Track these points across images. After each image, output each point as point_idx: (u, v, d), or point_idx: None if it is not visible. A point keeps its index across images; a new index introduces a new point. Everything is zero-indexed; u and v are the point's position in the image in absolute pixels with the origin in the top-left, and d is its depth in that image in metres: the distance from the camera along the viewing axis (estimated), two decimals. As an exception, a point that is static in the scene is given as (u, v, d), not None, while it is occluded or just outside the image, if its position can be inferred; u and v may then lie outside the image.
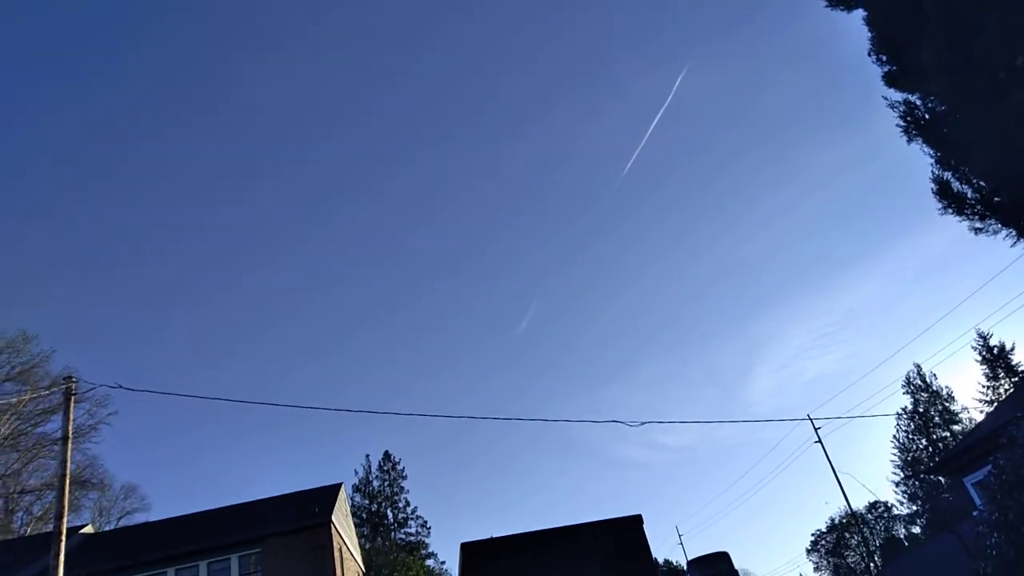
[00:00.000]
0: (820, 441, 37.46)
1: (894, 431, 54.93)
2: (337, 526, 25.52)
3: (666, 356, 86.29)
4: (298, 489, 28.99)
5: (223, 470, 69.28)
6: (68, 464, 11.06)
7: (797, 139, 77.57)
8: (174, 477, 67.97)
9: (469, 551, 8.93)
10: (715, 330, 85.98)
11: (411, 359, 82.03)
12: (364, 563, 33.59)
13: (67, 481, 10.93)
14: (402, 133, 78.08)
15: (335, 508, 25.71)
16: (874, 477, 77.38)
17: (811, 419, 37.91)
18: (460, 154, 78.30)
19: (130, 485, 41.62)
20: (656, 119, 76.39)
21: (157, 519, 30.52)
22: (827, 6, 8.24)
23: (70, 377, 12.24)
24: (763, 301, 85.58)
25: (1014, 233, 6.72)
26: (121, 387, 12.56)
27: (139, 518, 39.85)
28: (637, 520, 9.28)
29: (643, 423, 16.09)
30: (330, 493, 27.23)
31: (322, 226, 76.19)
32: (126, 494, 41.16)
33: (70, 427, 11.28)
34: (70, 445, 11.33)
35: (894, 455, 54.96)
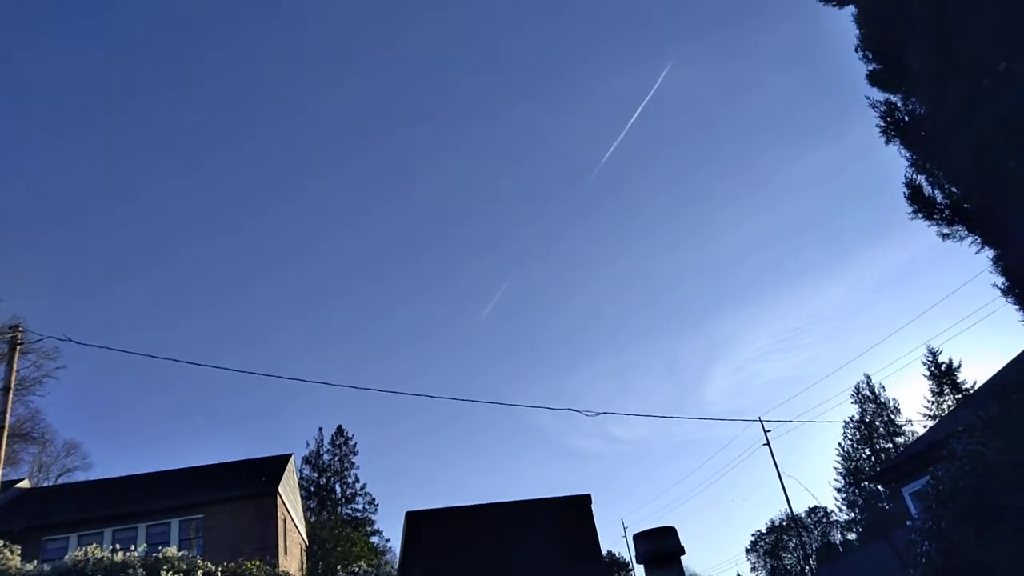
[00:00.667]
0: (768, 444, 38.23)
1: (840, 439, 56.24)
2: (283, 497, 25.31)
3: (628, 349, 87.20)
4: (247, 457, 28.68)
5: (170, 434, 68.38)
6: (8, 415, 10.73)
7: (774, 143, 78.72)
8: (119, 438, 66.75)
9: (414, 520, 8.91)
10: (678, 327, 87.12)
11: (372, 335, 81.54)
12: (308, 536, 33.38)
13: (5, 432, 10.61)
14: (376, 112, 77.28)
15: (283, 479, 25.49)
16: (817, 482, 79.28)
17: (762, 421, 38.66)
18: (436, 135, 77.76)
19: (72, 443, 40.74)
20: (636, 113, 76.79)
21: (98, 479, 29.94)
22: (820, 1, 8.27)
23: (17, 326, 11.87)
24: (727, 301, 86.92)
25: (979, 240, 6.86)
26: (70, 340, 12.22)
27: (79, 476, 39.04)
28: (586, 500, 9.34)
29: (599, 413, 16.12)
30: (279, 463, 26.98)
31: (289, 199, 75.20)
32: (68, 451, 40.25)
33: (13, 377, 10.95)
34: (11, 396, 10.99)
35: (838, 462, 56.28)
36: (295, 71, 73.87)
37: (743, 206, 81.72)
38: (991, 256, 6.81)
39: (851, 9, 8.19)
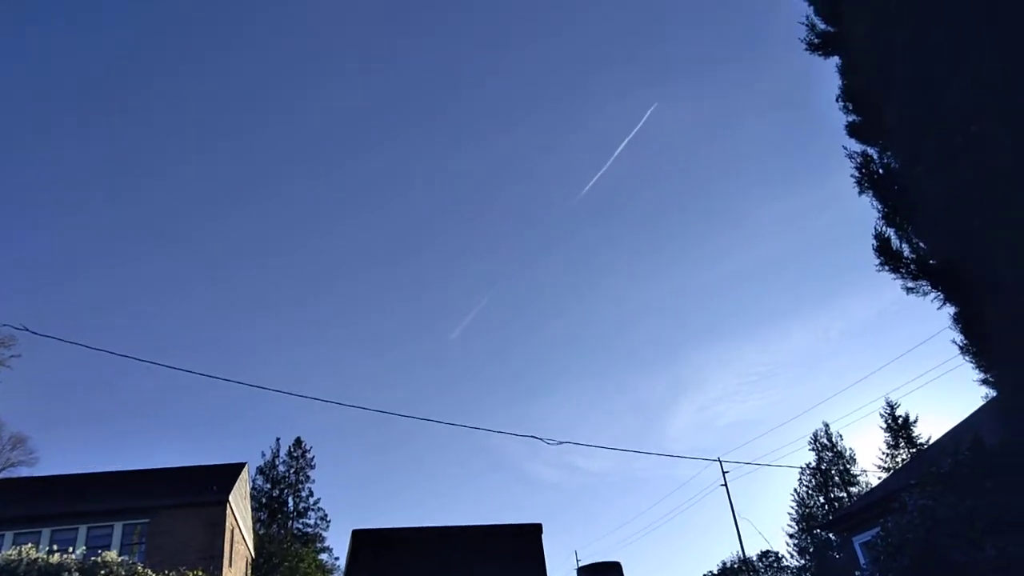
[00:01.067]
0: (726, 484, 38.34)
1: (796, 484, 56.63)
2: (234, 507, 24.74)
3: (595, 380, 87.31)
4: (200, 463, 28.04)
5: (123, 433, 66.86)
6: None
7: (754, 185, 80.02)
8: (70, 435, 65.01)
9: (359, 539, 8.71)
10: (646, 361, 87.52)
11: (340, 342, 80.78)
12: (255, 549, 32.63)
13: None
14: (369, 117, 77.37)
15: (235, 488, 24.95)
16: (771, 526, 79.76)
17: (721, 461, 38.83)
18: (427, 148, 78.02)
19: (20, 436, 39.53)
20: (622, 146, 77.76)
21: (42, 475, 29.02)
22: (806, 50, 8.45)
23: (-32, 310, 11.55)
24: (696, 339, 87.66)
25: (942, 296, 6.98)
26: (26, 329, 11.92)
27: (23, 472, 37.83)
28: (536, 529, 9.22)
29: (561, 442, 16.02)
30: (232, 472, 26.41)
31: (264, 197, 74.67)
32: (13, 445, 39.04)
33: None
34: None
35: (792, 508, 56.59)
36: (274, 80, 73.81)
37: (719, 246, 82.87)
38: (952, 313, 6.92)
39: (836, 59, 8.37)
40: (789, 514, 55.72)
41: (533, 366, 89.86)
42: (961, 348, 6.97)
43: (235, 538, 25.61)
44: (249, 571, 29.83)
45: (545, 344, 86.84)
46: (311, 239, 78.24)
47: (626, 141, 79.21)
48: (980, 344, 6.60)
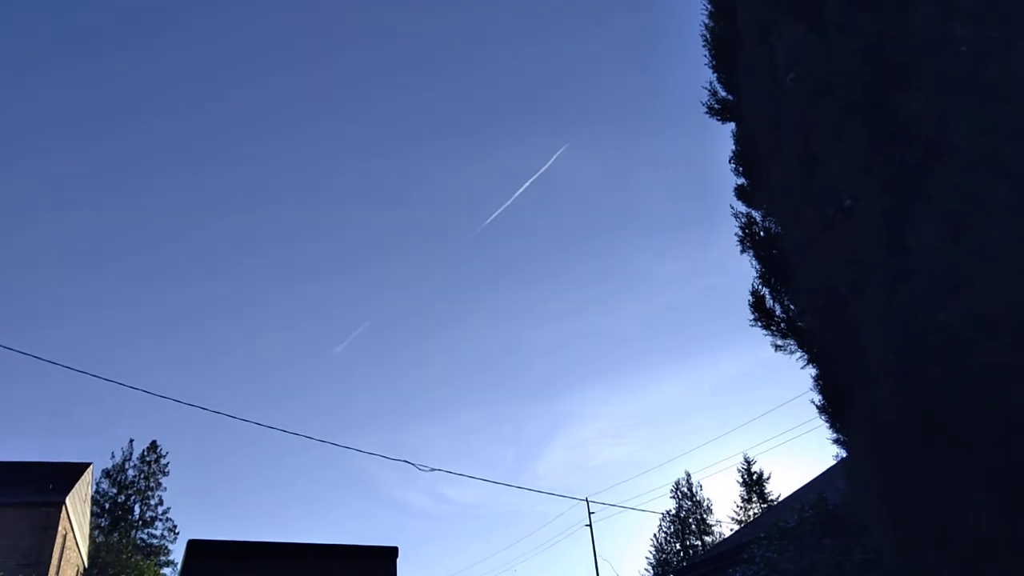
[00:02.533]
0: (591, 525, 38.95)
1: (655, 530, 58.30)
2: (70, 510, 22.84)
3: (475, 411, 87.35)
4: (37, 459, 25.74)
5: (-50, 422, 60.90)
6: None
7: (645, 237, 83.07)
8: None
9: (196, 550, 8.11)
10: (527, 397, 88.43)
11: (212, 343, 77.03)
12: (89, 557, 30.20)
13: None
14: (280, 112, 75.23)
15: (74, 489, 23.07)
16: (629, 570, 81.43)
17: (588, 501, 39.47)
18: (327, 154, 76.47)
19: None
20: (527, 184, 79.10)
21: None
22: (706, 113, 8.89)
23: None
24: (577, 380, 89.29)
25: (806, 357, 7.39)
26: None
27: None
28: (392, 552, 8.88)
29: (433, 469, 15.77)
30: (73, 471, 24.40)
31: (142, 189, 71.00)
32: None
33: None
34: None
35: (650, 552, 58.10)
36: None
37: (608, 293, 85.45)
38: (813, 374, 7.33)
39: (732, 126, 8.83)
40: (647, 558, 57.20)
41: (414, 391, 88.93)
42: (819, 408, 7.37)
43: (67, 544, 23.61)
44: (78, 581, 27.50)
45: (428, 371, 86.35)
46: (194, 230, 75.02)
47: (532, 180, 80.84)
48: (836, 406, 7.00)
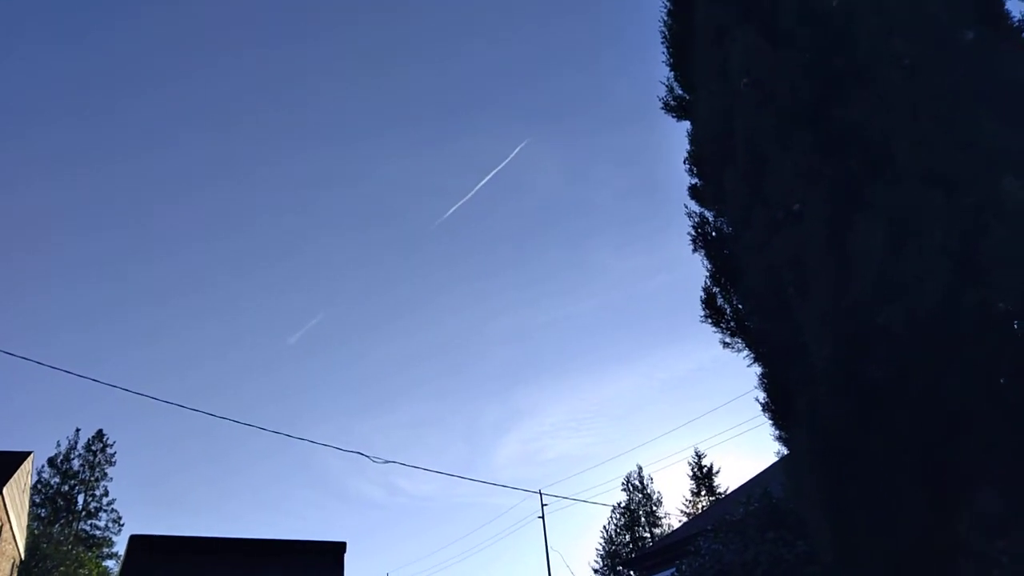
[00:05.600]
0: (543, 516, 39.28)
1: (606, 522, 58.97)
2: (7, 500, 22.18)
3: (430, 404, 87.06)
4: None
5: None
6: None
7: (604, 233, 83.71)
8: None
9: (139, 545, 7.96)
10: (483, 389, 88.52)
11: (166, 339, 75.44)
12: (28, 548, 29.38)
13: None
14: (237, 102, 73.62)
15: (13, 479, 22.42)
16: (580, 562, 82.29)
17: (541, 493, 39.81)
18: (289, 140, 75.29)
19: None
20: (488, 177, 79.02)
21: None
22: (662, 109, 8.99)
23: None
24: (533, 374, 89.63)
25: (752, 355, 7.57)
26: None
27: None
28: (340, 547, 8.82)
29: (387, 461, 15.69)
30: (12, 460, 23.70)
31: (99, 166, 69.06)
32: None
33: None
34: None
35: (600, 544, 58.74)
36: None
37: (566, 287, 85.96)
38: (759, 373, 7.51)
39: (687, 124, 8.93)
40: (597, 550, 57.83)
41: (369, 382, 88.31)
42: (763, 406, 7.54)
43: (3, 536, 22.94)
44: (15, 573, 26.77)
45: (384, 361, 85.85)
46: (145, 215, 73.18)
47: (493, 172, 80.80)
48: (779, 404, 7.18)
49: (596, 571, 56.91)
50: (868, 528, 5.66)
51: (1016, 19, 6.41)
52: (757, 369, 7.61)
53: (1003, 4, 6.40)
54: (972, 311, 5.11)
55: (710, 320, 8.08)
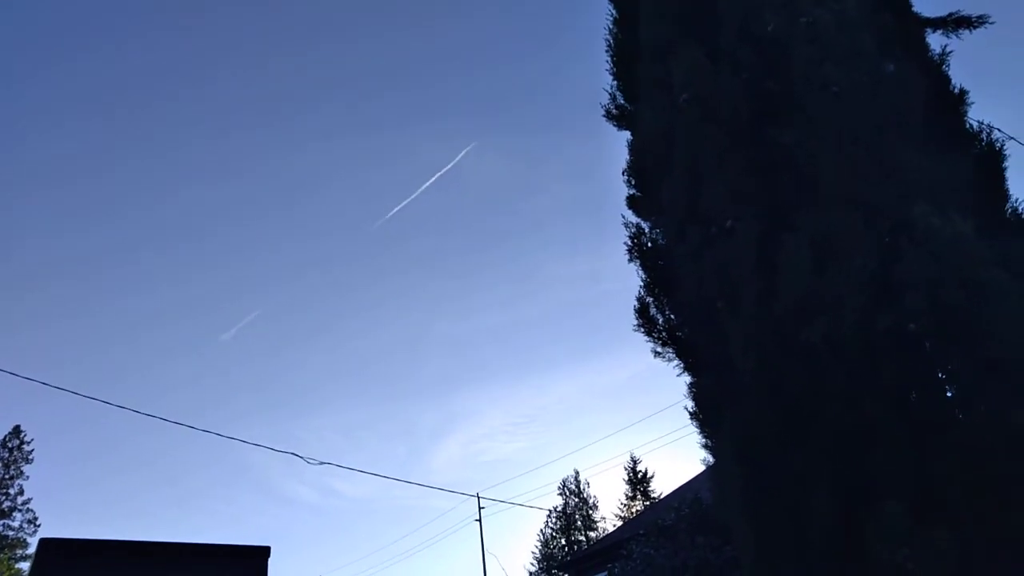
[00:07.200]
0: (480, 520, 39.35)
1: (542, 525, 59.32)
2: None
3: (368, 407, 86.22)
4: None
5: None
6: None
7: (546, 241, 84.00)
8: None
9: (49, 549, 7.67)
10: (422, 393, 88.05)
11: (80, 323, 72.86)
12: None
13: None
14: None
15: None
16: (516, 565, 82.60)
17: (479, 497, 39.88)
18: (214, 142, 73.36)
19: None
20: (433, 178, 78.52)
21: None
22: (604, 117, 9.11)
23: None
24: (472, 377, 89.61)
25: (682, 365, 7.77)
26: None
27: None
28: (263, 552, 8.64)
29: (322, 463, 15.50)
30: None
31: (42, 142, 66.41)
32: None
33: None
34: None
35: (536, 547, 59.05)
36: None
37: (507, 292, 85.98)
38: (688, 382, 7.69)
39: (628, 134, 9.07)
40: (533, 553, 58.17)
41: (305, 383, 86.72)
42: (691, 415, 7.72)
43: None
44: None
45: (321, 362, 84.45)
46: (84, 176, 70.22)
47: (438, 175, 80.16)
48: (706, 414, 7.37)
49: (532, 574, 57.23)
50: (785, 536, 5.86)
51: (936, 52, 6.78)
52: (687, 379, 7.80)
53: (924, 38, 6.75)
54: (886, 332, 5.36)
55: (643, 329, 8.25)
